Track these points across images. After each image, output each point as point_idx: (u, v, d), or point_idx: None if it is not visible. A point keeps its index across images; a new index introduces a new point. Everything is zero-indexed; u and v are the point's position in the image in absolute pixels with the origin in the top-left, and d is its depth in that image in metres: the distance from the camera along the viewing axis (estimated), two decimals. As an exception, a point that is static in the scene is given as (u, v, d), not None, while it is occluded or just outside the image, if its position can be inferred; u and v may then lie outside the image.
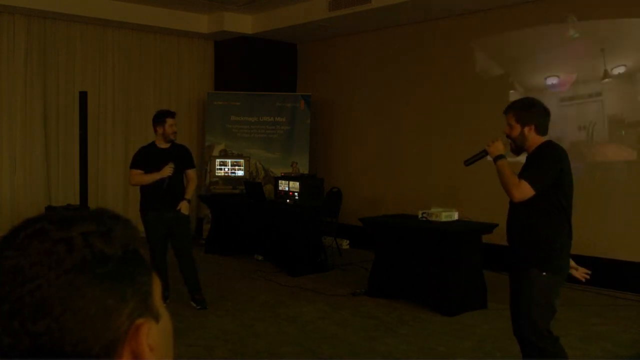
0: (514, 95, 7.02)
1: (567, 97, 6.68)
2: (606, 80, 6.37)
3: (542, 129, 3.25)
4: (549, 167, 3.18)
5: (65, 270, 0.61)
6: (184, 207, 5.34)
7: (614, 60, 6.30)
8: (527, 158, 3.28)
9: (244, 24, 8.94)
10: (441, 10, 7.38)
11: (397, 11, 7.40)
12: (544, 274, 3.12)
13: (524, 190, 3.15)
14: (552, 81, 6.81)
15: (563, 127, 6.44)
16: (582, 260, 3.53)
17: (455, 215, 5.71)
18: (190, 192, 5.45)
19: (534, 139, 3.24)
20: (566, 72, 6.68)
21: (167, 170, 5.26)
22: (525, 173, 3.21)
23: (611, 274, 6.05)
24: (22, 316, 0.60)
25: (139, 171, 5.34)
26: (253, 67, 9.33)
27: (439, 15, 7.60)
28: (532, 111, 3.25)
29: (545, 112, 3.27)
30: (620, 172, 6.34)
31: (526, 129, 3.22)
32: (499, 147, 3.34)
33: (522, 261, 3.22)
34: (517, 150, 3.34)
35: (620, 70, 6.28)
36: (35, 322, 0.60)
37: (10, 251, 0.63)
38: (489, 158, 3.46)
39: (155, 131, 5.39)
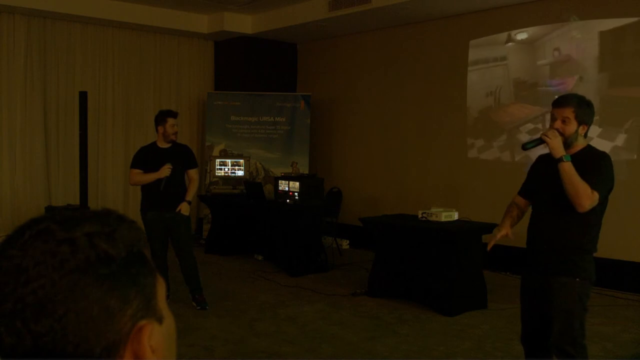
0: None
1: (472, 62, 7.31)
2: (509, 44, 7.03)
3: (588, 132, 3.06)
4: (612, 178, 2.96)
5: (68, 270, 0.61)
6: (184, 209, 5.31)
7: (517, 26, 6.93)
8: (577, 161, 2.93)
9: (244, 24, 8.93)
10: (441, 10, 7.38)
11: (397, 11, 7.40)
12: (577, 280, 2.96)
13: (594, 201, 2.85)
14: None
15: (473, 94, 7.34)
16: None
17: (455, 215, 5.71)
18: (191, 193, 5.41)
19: (582, 141, 3.02)
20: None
21: (165, 171, 5.23)
22: (593, 180, 2.87)
23: (611, 274, 6.05)
24: (25, 316, 0.60)
25: (138, 171, 5.33)
26: (253, 67, 9.33)
27: (439, 15, 7.59)
28: (590, 110, 3.02)
29: (594, 115, 3.08)
30: (619, 172, 6.32)
31: (580, 128, 2.98)
32: (560, 145, 2.93)
33: (556, 269, 3.01)
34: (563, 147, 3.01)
35: (523, 36, 6.91)
36: (38, 322, 0.60)
37: (15, 251, 0.63)
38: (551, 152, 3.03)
39: (157, 131, 5.38)
